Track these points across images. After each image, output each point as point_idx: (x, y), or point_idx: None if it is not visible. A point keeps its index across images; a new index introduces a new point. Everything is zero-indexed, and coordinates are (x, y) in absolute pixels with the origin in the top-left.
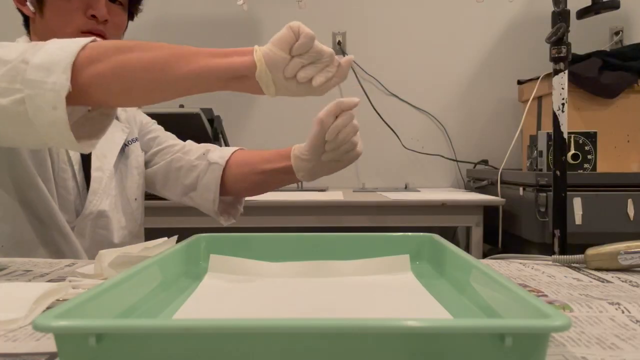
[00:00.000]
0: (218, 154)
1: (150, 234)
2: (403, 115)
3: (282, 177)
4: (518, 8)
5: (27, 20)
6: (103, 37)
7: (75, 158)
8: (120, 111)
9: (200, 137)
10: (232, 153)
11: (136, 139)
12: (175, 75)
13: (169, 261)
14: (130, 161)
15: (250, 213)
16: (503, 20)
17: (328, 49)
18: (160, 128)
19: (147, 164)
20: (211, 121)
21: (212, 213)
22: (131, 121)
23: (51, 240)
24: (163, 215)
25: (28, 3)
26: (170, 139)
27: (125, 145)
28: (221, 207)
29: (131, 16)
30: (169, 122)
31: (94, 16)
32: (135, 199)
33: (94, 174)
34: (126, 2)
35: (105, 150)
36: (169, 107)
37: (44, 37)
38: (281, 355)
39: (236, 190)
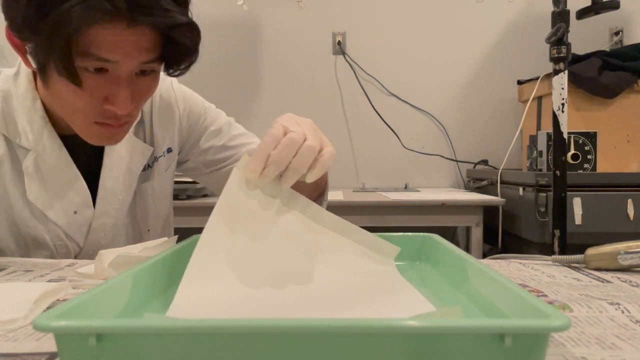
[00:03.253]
0: None
1: None
2: (403, 115)
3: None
4: (518, 8)
5: None
6: (126, 122)
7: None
8: (147, 123)
9: None
10: None
11: (169, 150)
12: None
13: (169, 261)
14: (148, 188)
15: None
16: (503, 20)
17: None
18: (215, 112)
19: (213, 163)
20: None
21: None
22: (160, 135)
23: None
24: None
25: (29, 57)
26: (239, 132)
27: (147, 166)
28: None
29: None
30: None
31: None
32: (149, 230)
33: (95, 223)
34: (160, 67)
35: (116, 186)
36: None
37: (50, 100)
38: (281, 355)
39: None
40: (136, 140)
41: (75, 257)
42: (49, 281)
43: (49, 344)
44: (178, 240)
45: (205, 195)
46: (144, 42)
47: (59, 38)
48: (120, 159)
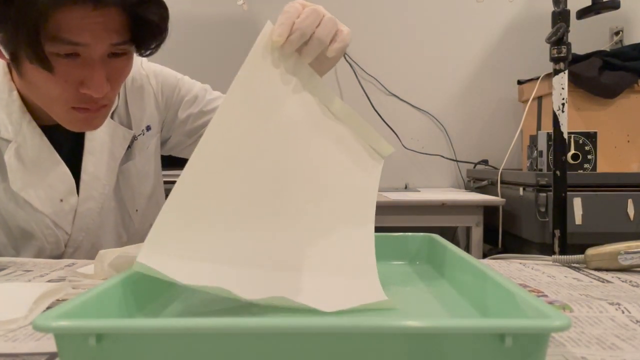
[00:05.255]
0: None
1: None
2: (403, 115)
3: None
4: (518, 8)
5: None
6: (103, 105)
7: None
8: (121, 107)
9: None
10: None
11: (148, 128)
12: None
13: None
14: (131, 167)
15: None
16: (503, 20)
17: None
18: (189, 82)
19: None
20: None
21: None
22: (137, 114)
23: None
24: None
25: (1, 48)
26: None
27: (127, 147)
28: None
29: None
30: None
31: None
32: (137, 211)
33: (81, 208)
34: (132, 49)
35: (99, 171)
36: None
37: (26, 90)
38: (280, 355)
39: None
40: (116, 124)
41: (65, 246)
42: (49, 281)
43: (48, 344)
44: None
45: None
46: (112, 23)
47: (26, 24)
48: (102, 144)
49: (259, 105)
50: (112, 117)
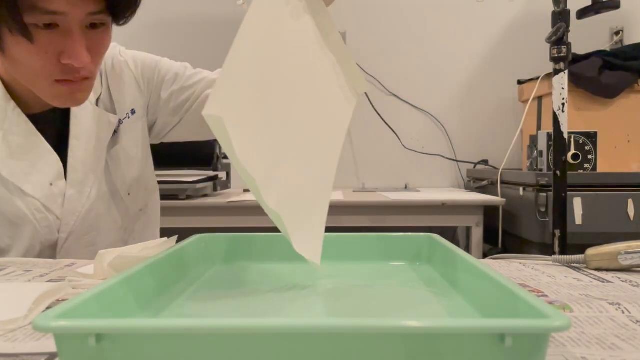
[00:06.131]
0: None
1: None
2: (403, 115)
3: None
4: (518, 8)
5: None
6: (85, 78)
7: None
8: (105, 94)
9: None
10: None
11: (132, 112)
12: None
13: (169, 261)
14: (120, 151)
15: (251, 213)
16: (503, 20)
17: None
18: (168, 63)
19: (178, 110)
20: None
21: None
22: (120, 99)
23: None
24: (163, 215)
25: None
26: (190, 73)
27: (114, 132)
28: None
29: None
30: None
31: None
32: (129, 194)
33: (70, 192)
34: (109, 20)
35: (86, 155)
36: None
37: (10, 68)
38: (281, 355)
39: None
40: (101, 111)
41: (58, 232)
42: (49, 281)
43: (48, 344)
44: (178, 240)
45: (206, 195)
46: None
47: None
48: (87, 129)
49: (274, 20)
50: (97, 105)
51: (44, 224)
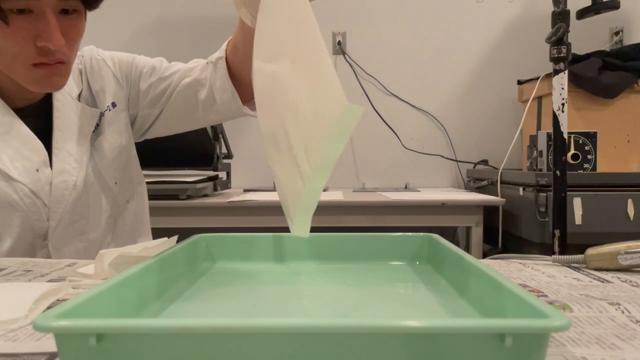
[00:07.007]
0: (216, 54)
1: (151, 233)
2: (403, 115)
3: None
4: (518, 8)
5: None
6: (61, 62)
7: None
8: (85, 90)
9: (201, 136)
10: (227, 42)
11: (114, 105)
12: None
13: (169, 261)
14: (103, 142)
15: (251, 213)
16: (503, 20)
17: None
18: (144, 58)
19: (156, 101)
20: None
21: (237, 109)
22: (101, 94)
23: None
24: (163, 215)
25: None
26: (165, 65)
27: (96, 125)
28: (242, 98)
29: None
30: None
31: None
32: (116, 183)
33: (56, 180)
34: (82, 6)
35: (70, 146)
36: None
37: None
38: (281, 355)
39: (245, 72)
40: (83, 105)
41: (48, 220)
42: (49, 281)
43: (48, 344)
44: (178, 240)
45: (206, 195)
46: None
47: None
48: (70, 121)
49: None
50: (79, 100)
51: (33, 209)
